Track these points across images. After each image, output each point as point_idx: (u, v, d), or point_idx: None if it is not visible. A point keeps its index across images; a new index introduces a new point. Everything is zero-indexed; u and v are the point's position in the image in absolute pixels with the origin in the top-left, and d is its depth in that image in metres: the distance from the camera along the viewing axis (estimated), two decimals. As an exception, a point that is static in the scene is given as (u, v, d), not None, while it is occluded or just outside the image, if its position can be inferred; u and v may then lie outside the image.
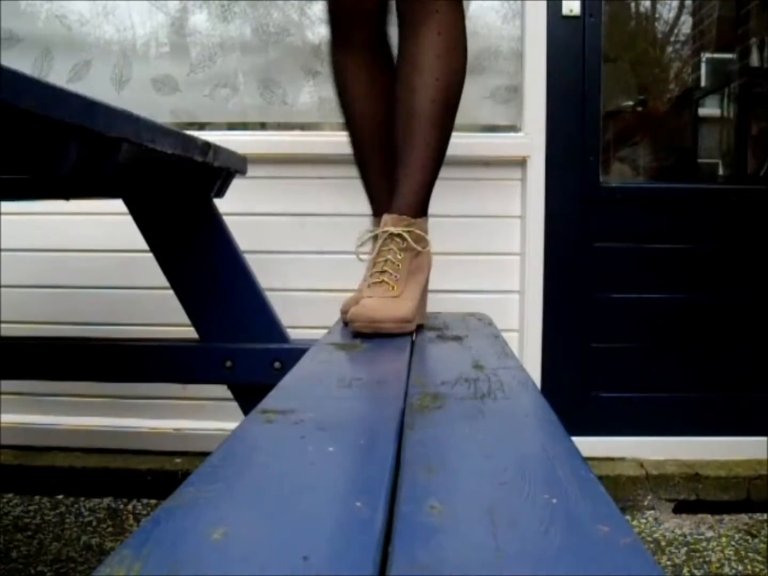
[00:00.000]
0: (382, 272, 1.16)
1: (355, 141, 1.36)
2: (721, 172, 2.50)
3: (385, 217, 1.22)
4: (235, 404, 1.46)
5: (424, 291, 1.24)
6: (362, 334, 1.08)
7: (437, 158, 1.25)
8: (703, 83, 2.43)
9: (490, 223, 2.10)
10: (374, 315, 1.09)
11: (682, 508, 1.98)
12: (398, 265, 1.17)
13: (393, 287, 1.15)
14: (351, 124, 1.36)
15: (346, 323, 1.19)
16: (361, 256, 1.22)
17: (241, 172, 1.49)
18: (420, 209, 1.25)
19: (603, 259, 2.12)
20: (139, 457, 2.06)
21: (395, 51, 1.30)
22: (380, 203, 1.31)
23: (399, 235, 1.18)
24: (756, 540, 1.81)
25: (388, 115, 1.28)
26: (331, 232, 2.06)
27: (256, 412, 0.72)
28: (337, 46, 1.36)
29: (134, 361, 1.47)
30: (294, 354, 1.29)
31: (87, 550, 1.69)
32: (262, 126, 2.21)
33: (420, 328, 1.23)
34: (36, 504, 1.95)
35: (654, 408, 2.13)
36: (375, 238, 1.22)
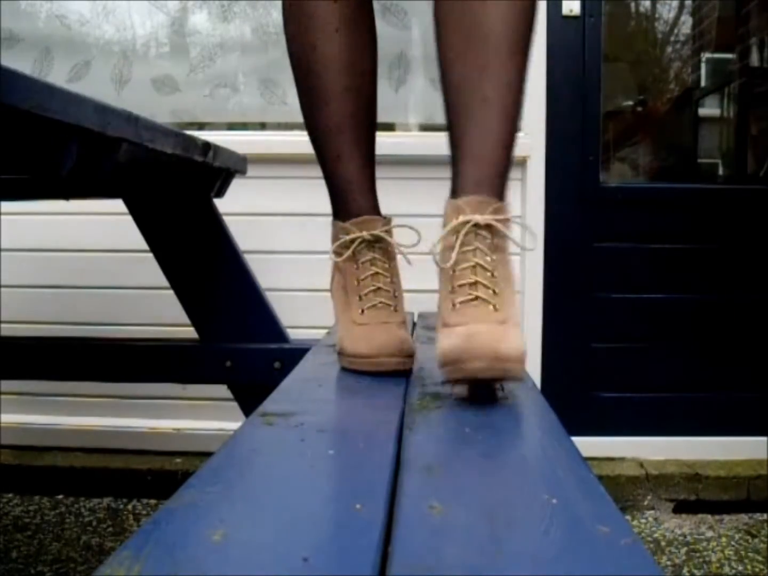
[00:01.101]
0: (474, 285, 0.79)
1: (329, 115, 0.95)
2: (721, 172, 2.50)
3: (461, 201, 0.82)
4: (235, 404, 1.46)
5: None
6: (481, 380, 0.74)
7: (519, 105, 0.85)
8: (703, 83, 2.43)
9: (490, 223, 2.09)
10: (500, 350, 0.72)
11: (682, 508, 1.98)
12: (493, 274, 0.79)
13: (495, 307, 0.78)
14: (324, 91, 0.94)
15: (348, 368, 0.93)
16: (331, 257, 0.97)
17: (241, 172, 1.49)
18: (504, 186, 0.85)
19: (603, 259, 2.12)
20: (139, 457, 2.06)
21: None
22: (357, 200, 0.97)
23: (488, 227, 0.80)
24: (756, 540, 1.81)
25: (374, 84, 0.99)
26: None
27: (257, 415, 0.72)
28: None
29: (134, 361, 1.47)
30: (294, 354, 1.29)
31: (87, 550, 1.69)
32: (262, 126, 2.21)
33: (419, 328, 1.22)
34: (36, 504, 1.95)
35: (654, 408, 2.13)
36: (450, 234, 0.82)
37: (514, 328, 0.77)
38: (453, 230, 0.81)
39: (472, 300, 0.78)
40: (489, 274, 0.79)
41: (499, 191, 0.83)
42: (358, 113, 0.96)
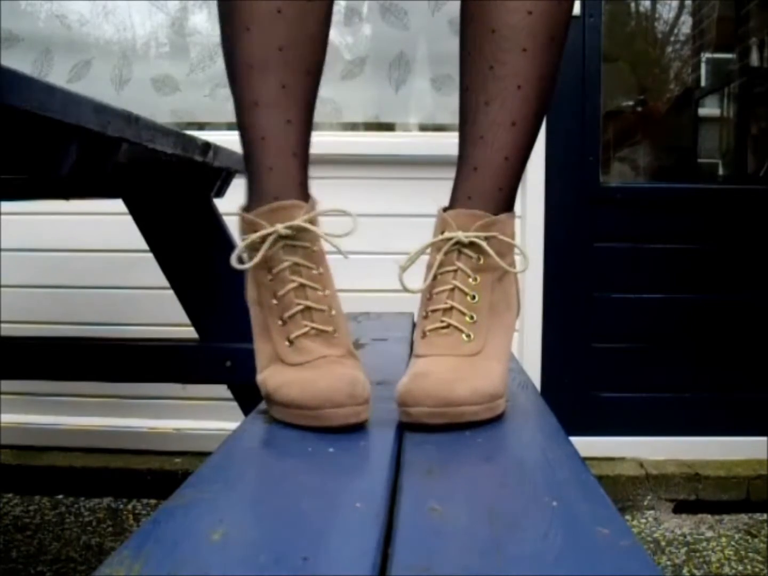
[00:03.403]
0: (449, 310, 0.72)
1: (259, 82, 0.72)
2: (721, 172, 2.50)
3: (447, 215, 0.75)
4: (235, 404, 1.46)
5: (510, 343, 0.78)
6: (428, 425, 0.65)
7: (528, 110, 0.77)
8: (703, 83, 2.43)
9: (490, 223, 2.09)
10: (451, 392, 0.65)
11: (682, 508, 1.98)
12: (474, 297, 0.73)
13: (469, 336, 0.71)
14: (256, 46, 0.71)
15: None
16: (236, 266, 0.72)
17: (241, 172, 1.48)
18: (505, 199, 0.78)
19: (603, 259, 2.12)
20: (139, 457, 2.06)
21: None
22: (275, 175, 0.74)
23: (473, 245, 0.73)
24: (756, 540, 1.81)
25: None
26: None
27: (256, 413, 0.72)
28: None
29: (134, 361, 1.47)
30: (294, 354, 1.29)
31: (87, 550, 1.69)
32: (262, 126, 2.21)
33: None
34: (36, 504, 1.95)
35: (654, 408, 2.13)
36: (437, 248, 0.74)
37: (489, 360, 0.70)
38: (434, 248, 0.74)
39: (443, 328, 0.71)
40: (469, 298, 0.72)
41: (497, 205, 0.76)
42: (290, 49, 0.71)
